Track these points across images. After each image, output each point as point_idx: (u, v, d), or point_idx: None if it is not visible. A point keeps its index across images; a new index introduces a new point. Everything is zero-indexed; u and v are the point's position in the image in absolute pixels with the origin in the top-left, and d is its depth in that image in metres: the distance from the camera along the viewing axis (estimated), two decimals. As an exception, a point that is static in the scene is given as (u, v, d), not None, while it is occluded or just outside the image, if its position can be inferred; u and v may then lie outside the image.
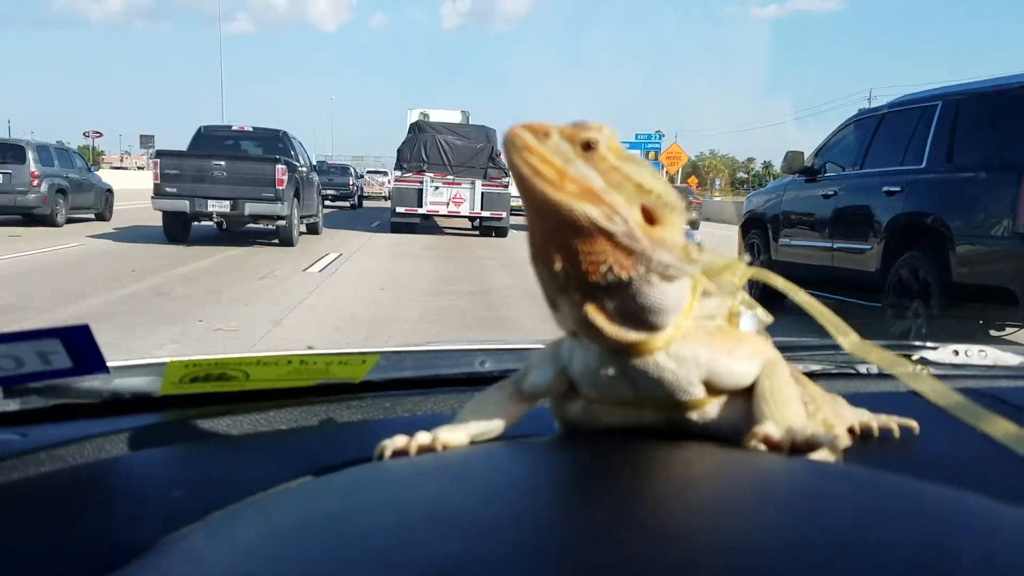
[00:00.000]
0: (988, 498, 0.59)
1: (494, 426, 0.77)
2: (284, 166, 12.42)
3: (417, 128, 19.84)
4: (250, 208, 12.20)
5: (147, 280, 8.90)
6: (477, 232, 19.39)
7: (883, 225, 6.82)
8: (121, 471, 0.87)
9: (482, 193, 18.71)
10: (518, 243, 16.99)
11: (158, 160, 12.29)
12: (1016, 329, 6.42)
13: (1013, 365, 1.36)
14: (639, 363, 0.69)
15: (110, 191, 18.76)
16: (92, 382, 1.01)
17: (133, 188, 34.43)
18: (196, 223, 12.79)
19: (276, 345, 6.08)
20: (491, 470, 0.64)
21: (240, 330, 6.45)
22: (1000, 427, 0.69)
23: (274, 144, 13.90)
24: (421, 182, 18.71)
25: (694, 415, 0.72)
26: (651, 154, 41.22)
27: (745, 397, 0.71)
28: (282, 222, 12.61)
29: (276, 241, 13.07)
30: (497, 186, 19.02)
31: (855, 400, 0.94)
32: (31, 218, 15.01)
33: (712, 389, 0.71)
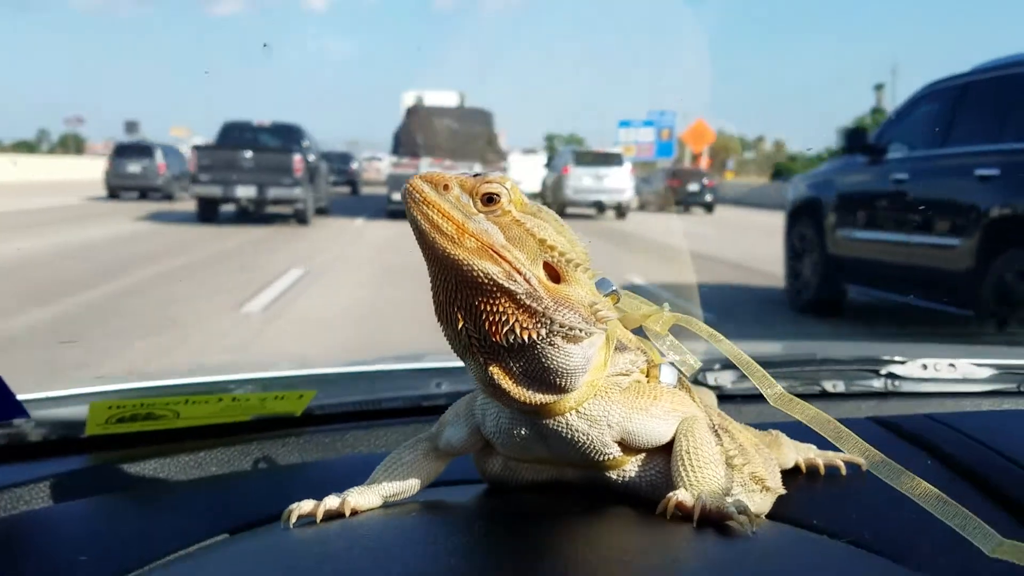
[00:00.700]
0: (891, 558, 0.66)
1: (409, 486, 0.75)
2: (300, 156, 14.57)
3: (413, 112, 19.82)
4: (273, 193, 14.26)
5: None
6: None
7: (977, 216, 5.57)
8: (35, 526, 0.85)
9: None
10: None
11: (195, 152, 14.72)
12: None
13: (983, 378, 1.35)
14: (550, 423, 0.67)
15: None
16: (12, 424, 1.00)
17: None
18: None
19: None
20: (395, 540, 0.64)
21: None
22: (919, 488, 0.68)
23: (290, 136, 16.13)
24: (417, 168, 18.64)
25: (613, 474, 0.71)
26: (666, 132, 39.00)
27: (665, 455, 0.70)
28: (300, 205, 14.66)
29: (293, 220, 15.21)
30: (496, 170, 18.48)
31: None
32: (161, 194, 21.11)
33: (628, 448, 0.70)
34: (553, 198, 21.98)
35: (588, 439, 0.68)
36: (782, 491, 0.81)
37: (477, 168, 18.35)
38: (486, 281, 0.61)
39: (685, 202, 28.71)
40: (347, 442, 1.08)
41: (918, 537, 0.74)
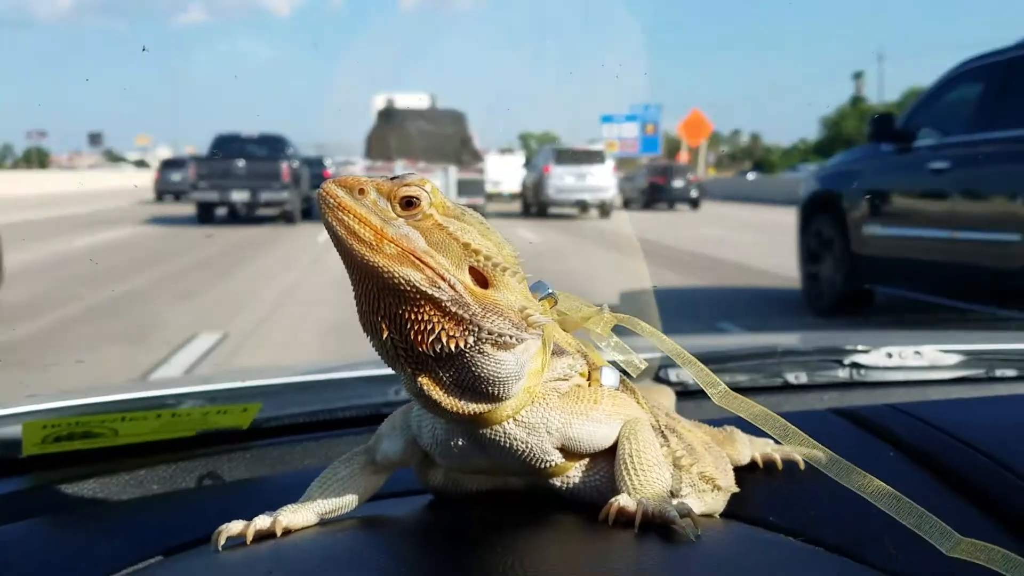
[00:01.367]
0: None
1: (346, 501, 0.72)
2: (287, 163, 16.88)
3: (385, 116, 19.71)
4: (264, 196, 16.40)
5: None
6: None
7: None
8: None
9: (457, 180, 18.49)
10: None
11: (194, 163, 17.12)
12: None
13: (951, 365, 1.33)
14: (488, 433, 0.65)
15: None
16: None
17: (109, 188, 34.65)
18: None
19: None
20: (329, 560, 0.62)
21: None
22: (872, 486, 0.67)
23: (276, 145, 18.30)
24: (392, 171, 17.99)
25: (557, 481, 0.69)
26: (650, 127, 37.09)
27: (609, 460, 0.68)
28: (288, 207, 16.80)
29: (281, 221, 17.16)
30: (472, 172, 18.95)
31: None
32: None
33: (570, 454, 0.67)
34: (534, 198, 21.67)
35: (528, 447, 0.65)
36: (735, 489, 0.79)
37: (453, 170, 18.13)
38: (408, 289, 0.59)
39: (670, 199, 28.32)
40: (297, 455, 1.06)
41: (879, 534, 0.71)
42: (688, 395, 1.21)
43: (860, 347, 1.34)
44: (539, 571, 0.56)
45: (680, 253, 11.75)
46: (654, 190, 28.33)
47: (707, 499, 0.74)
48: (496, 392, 0.62)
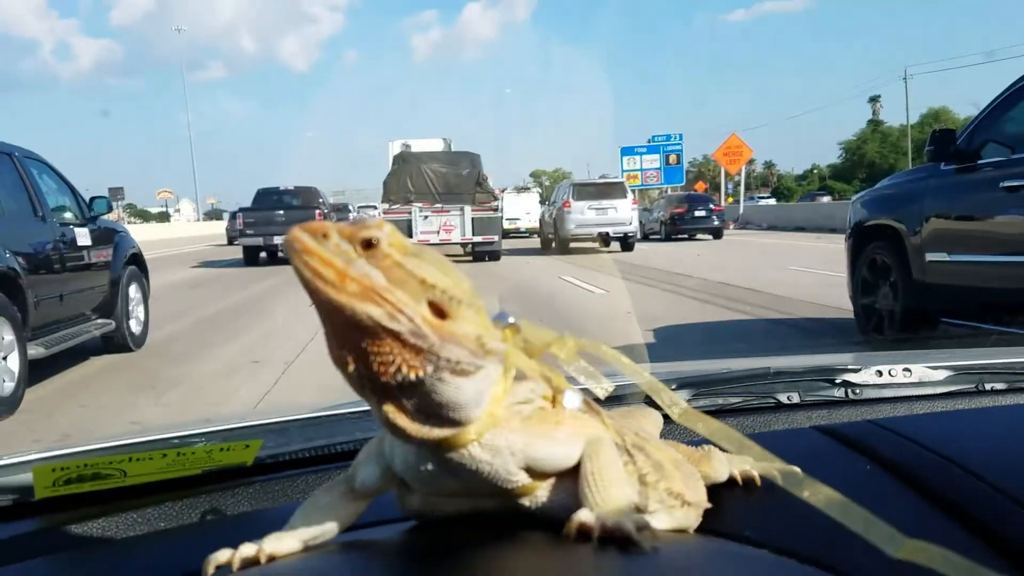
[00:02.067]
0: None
1: (328, 529, 0.76)
2: (320, 211, 20.32)
3: (401, 160, 20.19)
4: None
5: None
6: (471, 258, 19.29)
7: None
8: None
9: (472, 219, 18.84)
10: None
11: (240, 214, 20.68)
12: None
13: (940, 380, 1.35)
14: (454, 456, 0.69)
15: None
16: None
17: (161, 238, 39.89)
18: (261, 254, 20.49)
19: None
20: None
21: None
22: (821, 494, 0.70)
23: (309, 195, 21.64)
24: (409, 213, 19.02)
25: (526, 501, 0.72)
26: (673, 158, 36.08)
27: (575, 479, 0.71)
28: None
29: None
30: (487, 210, 19.18)
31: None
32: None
33: (536, 474, 0.71)
34: (555, 233, 21.45)
35: (493, 468, 0.69)
36: (706, 505, 0.82)
37: (468, 209, 18.46)
38: (370, 323, 0.62)
39: (689, 229, 27.84)
40: (299, 488, 1.09)
41: (850, 544, 0.72)
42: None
43: (850, 366, 1.36)
44: None
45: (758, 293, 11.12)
46: (675, 221, 27.92)
47: (677, 515, 0.77)
48: (456, 417, 0.66)
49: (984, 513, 0.79)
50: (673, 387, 1.30)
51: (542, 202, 28.05)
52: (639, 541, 0.63)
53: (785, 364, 1.46)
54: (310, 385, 5.76)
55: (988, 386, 1.35)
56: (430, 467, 0.70)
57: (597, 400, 0.79)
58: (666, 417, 1.16)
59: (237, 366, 7.03)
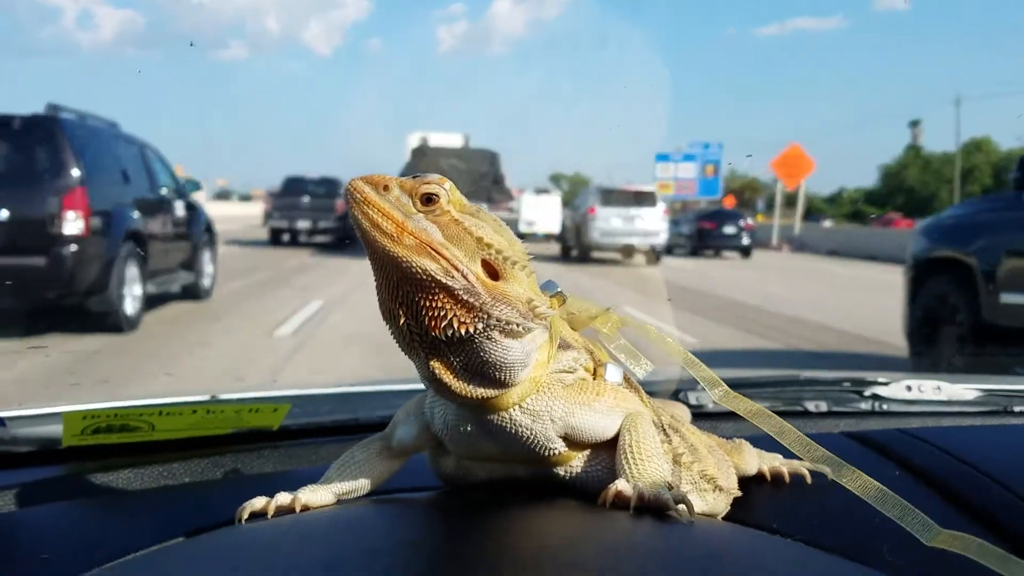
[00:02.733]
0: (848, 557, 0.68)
1: (362, 484, 0.78)
2: (341, 200, 18.47)
3: (419, 153, 20.37)
4: (321, 225, 21.57)
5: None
6: None
7: None
8: (4, 529, 0.88)
9: None
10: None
11: (270, 198, 22.63)
12: None
13: (968, 400, 1.36)
14: (494, 418, 0.70)
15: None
16: None
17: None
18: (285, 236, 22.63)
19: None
20: (345, 534, 0.66)
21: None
22: (859, 481, 0.71)
23: (331, 185, 22.95)
24: None
25: (561, 470, 0.73)
26: (710, 168, 32.79)
27: (611, 451, 0.73)
28: (340, 234, 21.39)
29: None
30: (503, 211, 19.14)
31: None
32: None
33: (574, 443, 0.72)
34: (576, 241, 21.07)
35: (532, 434, 0.70)
36: (736, 492, 0.84)
37: (484, 208, 18.36)
38: (425, 277, 0.64)
39: (717, 246, 26.84)
40: (322, 455, 1.11)
41: (878, 539, 0.75)
42: (705, 416, 1.24)
43: (880, 379, 1.38)
44: (538, 550, 0.60)
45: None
46: (702, 236, 26.75)
47: (708, 498, 0.78)
48: (502, 378, 0.67)
49: (1011, 520, 0.82)
50: (699, 388, 1.31)
51: (566, 206, 27.65)
52: (679, 514, 0.64)
53: (814, 374, 1.47)
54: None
55: (1017, 408, 1.36)
56: (470, 428, 0.72)
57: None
58: (696, 415, 1.20)
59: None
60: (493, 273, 0.66)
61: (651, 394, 1.13)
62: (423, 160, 19.83)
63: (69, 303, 7.43)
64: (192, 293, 10.05)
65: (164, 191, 9.54)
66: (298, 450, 1.12)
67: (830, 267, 22.59)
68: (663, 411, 0.81)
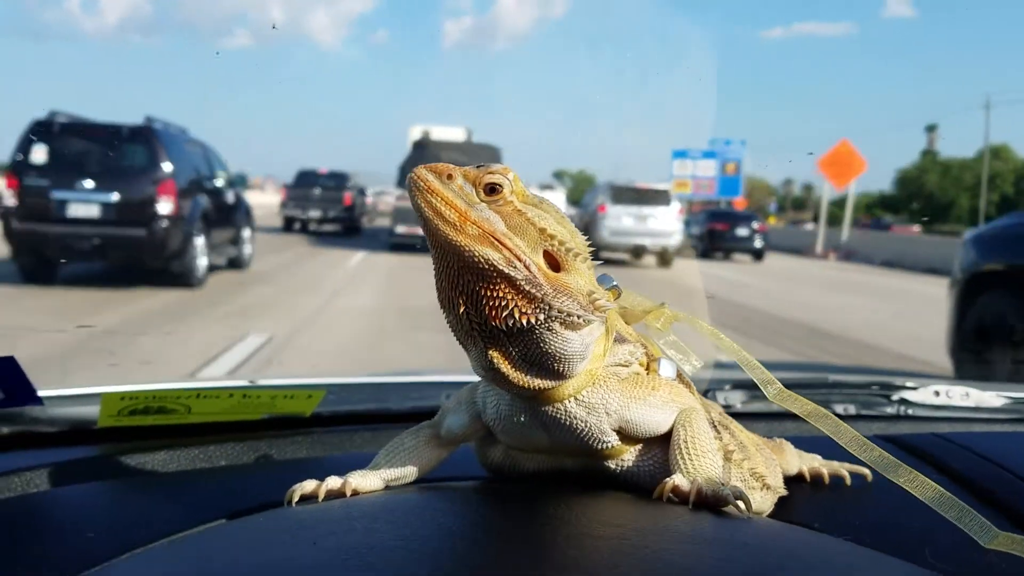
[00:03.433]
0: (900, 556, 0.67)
1: (409, 471, 0.79)
2: (349, 192, 25.09)
3: (420, 146, 20.40)
4: (332, 214, 24.59)
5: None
6: None
7: None
8: (45, 507, 0.90)
9: None
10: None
11: (284, 188, 25.26)
12: None
13: (996, 407, 1.38)
14: (549, 410, 0.72)
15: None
16: (26, 413, 1.08)
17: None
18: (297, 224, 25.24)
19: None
20: (395, 519, 0.66)
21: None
22: (916, 481, 0.71)
23: (340, 178, 25.73)
24: None
25: (611, 464, 0.75)
26: (731, 166, 30.77)
27: (663, 446, 0.74)
28: (349, 223, 25.13)
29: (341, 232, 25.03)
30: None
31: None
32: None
33: (627, 437, 0.74)
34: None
35: (586, 426, 0.72)
36: (783, 492, 0.85)
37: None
38: (487, 267, 0.65)
39: (728, 248, 25.96)
40: (355, 443, 1.13)
41: (923, 539, 0.77)
42: (734, 416, 1.29)
43: (909, 383, 1.40)
44: (594, 544, 0.59)
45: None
46: (713, 237, 25.87)
47: (756, 496, 0.79)
48: (561, 369, 0.69)
49: None
50: (727, 387, 1.35)
51: (569, 203, 27.23)
52: (739, 510, 0.66)
53: (843, 377, 1.49)
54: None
55: None
56: (523, 419, 0.73)
57: None
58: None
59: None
60: (554, 264, 0.68)
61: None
62: (423, 153, 19.64)
63: (158, 265, 10.39)
64: (236, 264, 12.98)
65: (220, 182, 12.40)
66: (329, 437, 1.14)
67: (884, 281, 20.13)
68: (712, 408, 0.82)
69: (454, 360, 0.91)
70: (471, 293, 0.66)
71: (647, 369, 0.77)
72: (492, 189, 0.68)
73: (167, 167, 10.30)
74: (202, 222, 10.96)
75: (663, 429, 0.73)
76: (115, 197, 10.02)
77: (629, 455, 0.74)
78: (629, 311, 0.81)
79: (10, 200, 9.86)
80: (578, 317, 0.67)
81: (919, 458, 1.02)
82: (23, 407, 1.01)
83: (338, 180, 25.79)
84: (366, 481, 0.76)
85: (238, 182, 13.35)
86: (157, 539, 0.76)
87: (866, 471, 0.89)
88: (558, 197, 30.66)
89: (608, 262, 19.67)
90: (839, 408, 1.36)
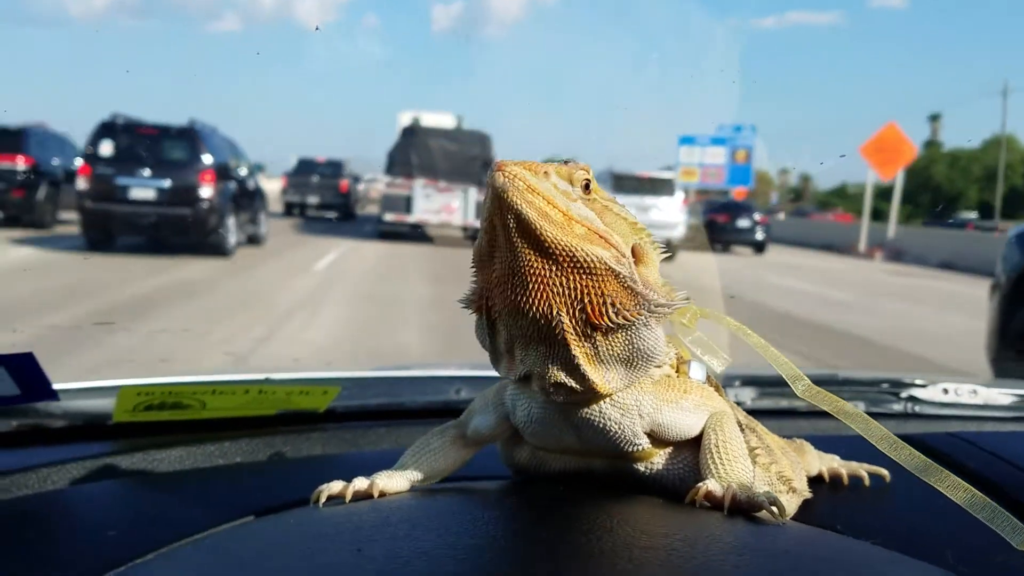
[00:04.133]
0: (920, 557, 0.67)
1: (436, 472, 0.80)
2: (346, 180, 27.99)
3: (409, 132, 20.15)
4: (330, 200, 27.30)
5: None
6: (471, 243, 19.99)
7: None
8: (64, 504, 0.91)
9: (477, 202, 18.09)
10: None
11: (285, 176, 27.49)
12: None
13: (1004, 405, 1.39)
14: (583, 412, 0.72)
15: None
16: (42, 408, 1.07)
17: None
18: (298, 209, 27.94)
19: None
20: (423, 521, 0.67)
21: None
22: (948, 480, 0.71)
23: (337, 166, 28.41)
24: (411, 188, 18.83)
25: (641, 466, 0.75)
26: (741, 154, 28.31)
27: (693, 449, 0.74)
28: (345, 208, 27.87)
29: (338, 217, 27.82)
30: None
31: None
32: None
33: (657, 440, 0.74)
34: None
35: (620, 428, 0.72)
36: (808, 494, 0.86)
37: (473, 191, 18.26)
38: (599, 265, 0.65)
39: (728, 240, 24.83)
40: (369, 439, 1.15)
41: (946, 541, 0.79)
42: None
43: (918, 381, 1.40)
44: (644, 555, 0.59)
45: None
46: (713, 229, 24.74)
47: (783, 500, 0.76)
48: (655, 363, 0.70)
49: None
50: (737, 383, 1.36)
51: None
52: (773, 516, 0.66)
53: (852, 374, 1.50)
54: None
55: None
56: (555, 421, 0.73)
57: None
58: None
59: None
60: (636, 259, 0.68)
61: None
62: (413, 139, 19.68)
63: (200, 238, 13.56)
64: (254, 240, 15.47)
65: (243, 171, 15.01)
66: (343, 433, 1.15)
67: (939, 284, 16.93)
68: (739, 410, 0.83)
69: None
70: (574, 292, 0.65)
71: (676, 371, 0.77)
72: (586, 186, 0.67)
73: (207, 159, 13.36)
74: (232, 204, 13.71)
75: (694, 432, 0.74)
76: (167, 183, 13.06)
77: (659, 458, 0.74)
78: None
79: (83, 184, 12.75)
80: (665, 308, 0.68)
81: (932, 457, 0.98)
82: (39, 402, 1.00)
83: (335, 168, 28.52)
84: (393, 482, 0.77)
85: (255, 170, 16.11)
86: (180, 538, 0.76)
87: (884, 472, 0.87)
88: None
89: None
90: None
